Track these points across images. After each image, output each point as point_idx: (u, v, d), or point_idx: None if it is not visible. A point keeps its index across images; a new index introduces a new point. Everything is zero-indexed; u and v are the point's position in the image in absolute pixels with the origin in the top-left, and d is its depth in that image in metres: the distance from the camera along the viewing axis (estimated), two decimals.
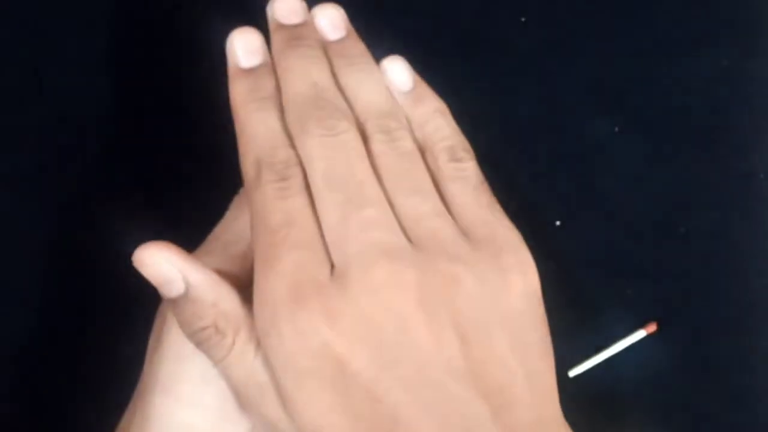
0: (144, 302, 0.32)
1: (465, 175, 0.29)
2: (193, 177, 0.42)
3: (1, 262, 0.42)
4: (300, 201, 0.27)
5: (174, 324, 0.30)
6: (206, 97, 0.39)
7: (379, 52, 0.32)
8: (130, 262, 0.28)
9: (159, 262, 0.28)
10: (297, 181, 0.28)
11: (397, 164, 0.29)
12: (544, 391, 0.26)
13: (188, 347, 0.30)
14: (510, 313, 0.26)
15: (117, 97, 0.44)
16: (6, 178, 0.42)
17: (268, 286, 0.26)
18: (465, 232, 0.28)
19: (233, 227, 0.32)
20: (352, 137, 0.28)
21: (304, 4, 0.32)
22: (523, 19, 0.46)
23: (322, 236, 0.27)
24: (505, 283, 0.27)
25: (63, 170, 0.43)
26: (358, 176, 0.28)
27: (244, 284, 0.31)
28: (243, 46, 0.30)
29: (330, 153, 0.28)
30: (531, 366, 0.26)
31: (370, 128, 0.29)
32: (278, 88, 0.30)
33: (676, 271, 0.43)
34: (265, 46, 0.31)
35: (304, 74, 0.30)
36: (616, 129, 0.45)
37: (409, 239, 0.27)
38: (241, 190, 0.32)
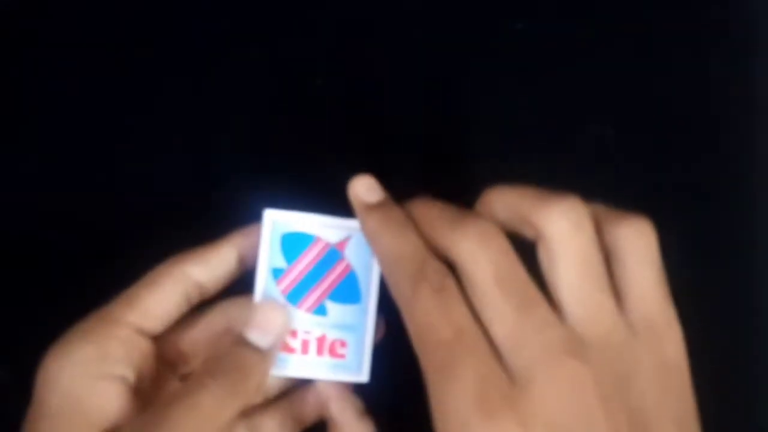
0: None
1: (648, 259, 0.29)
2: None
3: None
4: (463, 310, 0.28)
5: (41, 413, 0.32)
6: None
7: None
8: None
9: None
10: (454, 290, 0.29)
11: None
12: None
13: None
14: (674, 405, 0.28)
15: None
16: (6, 180, 0.43)
17: (452, 400, 0.27)
18: (629, 321, 0.28)
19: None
20: (505, 239, 0.29)
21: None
22: (519, 25, 0.46)
23: (491, 342, 0.27)
24: (668, 376, 0.28)
25: (62, 173, 0.43)
26: (522, 276, 0.28)
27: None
28: (364, 186, 0.34)
29: (494, 256, 0.28)
30: None
31: None
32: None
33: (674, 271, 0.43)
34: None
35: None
36: (614, 130, 0.45)
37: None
38: None
